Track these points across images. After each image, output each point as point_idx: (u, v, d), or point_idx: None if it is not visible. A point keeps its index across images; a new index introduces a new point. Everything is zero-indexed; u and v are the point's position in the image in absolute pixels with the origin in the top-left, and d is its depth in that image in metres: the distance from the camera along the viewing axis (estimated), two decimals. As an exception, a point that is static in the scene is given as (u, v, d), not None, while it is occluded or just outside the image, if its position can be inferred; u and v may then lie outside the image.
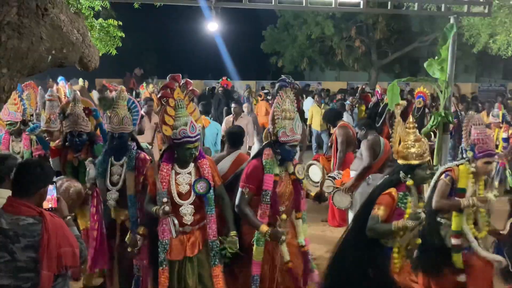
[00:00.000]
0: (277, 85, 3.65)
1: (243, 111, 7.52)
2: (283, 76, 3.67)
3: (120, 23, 7.55)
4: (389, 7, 6.20)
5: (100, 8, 7.75)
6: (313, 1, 6.24)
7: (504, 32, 12.45)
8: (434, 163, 6.48)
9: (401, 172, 3.24)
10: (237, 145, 4.24)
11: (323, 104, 10.33)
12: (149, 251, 3.46)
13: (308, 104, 11.38)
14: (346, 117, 8.32)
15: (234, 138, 4.24)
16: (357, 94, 11.59)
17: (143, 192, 3.50)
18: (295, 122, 3.38)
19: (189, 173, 3.33)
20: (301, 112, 12.01)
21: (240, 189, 3.39)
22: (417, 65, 21.80)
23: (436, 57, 5.92)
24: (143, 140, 5.63)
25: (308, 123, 10.09)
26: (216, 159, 4.00)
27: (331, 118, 6.22)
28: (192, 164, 3.36)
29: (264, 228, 3.26)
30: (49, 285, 2.24)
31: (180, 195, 3.28)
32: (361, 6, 6.06)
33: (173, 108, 3.24)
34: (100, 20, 7.53)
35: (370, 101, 11.16)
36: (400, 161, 3.27)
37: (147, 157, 3.82)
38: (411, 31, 19.51)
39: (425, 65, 6.03)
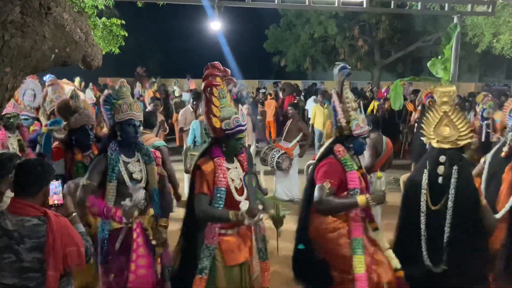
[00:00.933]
0: (341, 72, 3.36)
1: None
2: (341, 64, 3.46)
3: (123, 22, 7.57)
4: (392, 7, 6.19)
5: (103, 7, 7.78)
6: (316, 1, 6.24)
7: (508, 32, 12.38)
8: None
9: None
10: None
11: (326, 104, 10.33)
12: (183, 258, 3.09)
13: (311, 103, 11.38)
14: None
15: None
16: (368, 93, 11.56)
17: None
18: (361, 112, 3.31)
19: (236, 168, 3.10)
20: (304, 111, 12.05)
21: (318, 185, 3.15)
22: (420, 64, 21.77)
23: (440, 57, 5.91)
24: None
25: (310, 122, 10.11)
26: None
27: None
28: (234, 158, 3.14)
29: (362, 198, 3.10)
30: (55, 285, 2.24)
31: (236, 191, 3.02)
32: (364, 5, 6.06)
33: (217, 98, 3.01)
34: (103, 19, 7.55)
35: (383, 96, 11.17)
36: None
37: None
38: (414, 30, 19.45)
39: (428, 64, 6.02)
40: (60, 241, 2.23)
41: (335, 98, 3.32)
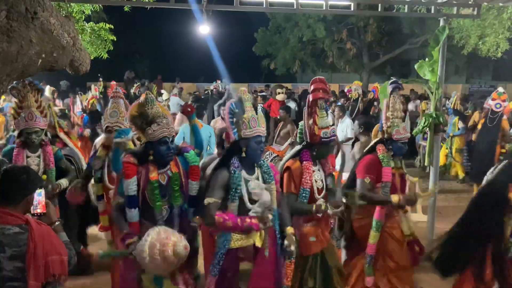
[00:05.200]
0: (390, 87, 3.93)
1: None
2: (393, 78, 4.01)
3: (112, 26, 7.54)
4: (379, 10, 6.23)
5: (91, 12, 7.74)
6: (304, 4, 6.26)
7: (493, 34, 12.59)
8: (426, 164, 6.54)
9: None
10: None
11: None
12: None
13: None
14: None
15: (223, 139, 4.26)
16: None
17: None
18: (406, 122, 3.75)
19: (319, 170, 3.49)
20: (301, 113, 12.05)
21: (360, 180, 3.68)
22: (408, 66, 22.00)
23: (427, 59, 5.96)
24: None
25: None
26: (207, 162, 3.99)
27: None
28: (316, 161, 3.51)
29: (396, 197, 3.61)
30: None
31: (317, 191, 3.44)
32: (352, 9, 6.10)
33: (320, 109, 3.41)
34: (91, 23, 7.52)
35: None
36: None
37: None
38: (401, 33, 19.66)
39: (415, 66, 6.06)
40: (42, 250, 2.19)
41: (384, 107, 3.84)
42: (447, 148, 9.11)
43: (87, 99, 10.89)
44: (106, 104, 10.42)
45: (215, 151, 4.48)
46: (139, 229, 2.90)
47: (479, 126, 7.84)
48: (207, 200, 2.84)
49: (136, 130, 3.05)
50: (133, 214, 2.92)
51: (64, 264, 2.28)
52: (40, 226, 2.26)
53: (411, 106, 11.76)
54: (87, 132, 8.52)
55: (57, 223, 2.44)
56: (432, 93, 6.02)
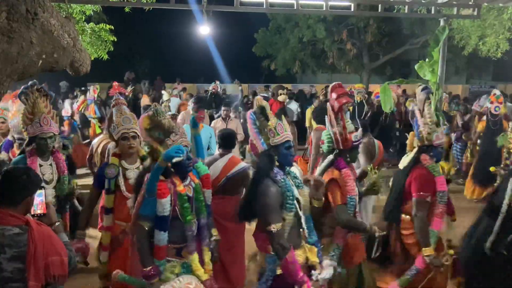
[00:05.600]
0: (423, 93, 3.93)
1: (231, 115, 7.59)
2: (423, 85, 3.89)
3: (112, 27, 7.54)
4: (379, 10, 6.24)
5: (92, 13, 7.76)
6: (304, 5, 6.27)
7: (493, 34, 12.59)
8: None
9: None
10: (229, 147, 4.27)
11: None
12: None
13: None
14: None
15: (227, 140, 4.26)
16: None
17: None
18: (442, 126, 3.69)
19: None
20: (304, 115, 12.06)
21: (418, 199, 3.47)
22: (408, 67, 22.00)
23: (427, 59, 5.97)
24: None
25: (307, 125, 10.11)
26: (207, 162, 4.00)
27: (321, 116, 6.36)
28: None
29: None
30: None
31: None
32: (352, 9, 6.10)
33: (344, 113, 3.37)
34: (92, 24, 7.53)
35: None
36: None
37: None
38: (402, 33, 19.65)
39: (416, 67, 6.07)
40: (42, 251, 2.18)
41: (417, 113, 3.70)
42: None
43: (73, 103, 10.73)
44: (102, 107, 10.33)
45: (216, 151, 4.49)
46: (166, 254, 2.70)
47: (479, 129, 7.84)
48: (275, 226, 2.58)
49: (153, 142, 2.80)
50: (164, 237, 2.68)
51: (64, 265, 2.28)
52: (40, 227, 2.26)
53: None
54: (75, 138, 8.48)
55: (57, 223, 2.45)
56: (432, 93, 6.02)
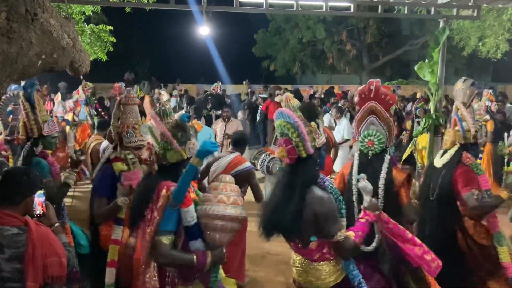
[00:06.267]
0: (473, 87, 3.61)
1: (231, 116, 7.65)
2: (472, 80, 3.67)
3: (112, 28, 7.55)
4: (379, 11, 6.24)
5: (91, 13, 7.76)
6: (304, 5, 6.27)
7: (493, 35, 12.61)
8: (425, 164, 6.53)
9: None
10: (240, 147, 4.34)
11: (320, 109, 10.38)
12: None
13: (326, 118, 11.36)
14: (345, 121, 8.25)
15: (239, 139, 4.39)
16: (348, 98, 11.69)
17: None
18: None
19: None
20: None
21: (467, 194, 3.29)
22: (408, 68, 22.00)
23: (427, 60, 5.97)
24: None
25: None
26: (212, 160, 4.11)
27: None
28: None
29: (503, 193, 3.39)
30: None
31: None
32: (352, 10, 6.11)
33: None
34: (91, 25, 7.53)
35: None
36: None
37: None
38: (401, 34, 19.70)
39: (415, 68, 6.07)
40: (40, 251, 2.18)
41: (461, 108, 3.51)
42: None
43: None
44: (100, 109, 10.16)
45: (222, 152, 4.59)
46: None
47: (490, 129, 7.77)
48: (340, 235, 2.44)
49: (176, 145, 2.52)
50: (202, 243, 2.45)
51: (63, 265, 2.27)
52: (39, 227, 2.25)
53: (409, 107, 11.79)
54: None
55: (56, 224, 2.44)
56: (432, 94, 6.02)
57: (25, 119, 3.59)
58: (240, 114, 9.33)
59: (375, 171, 3.01)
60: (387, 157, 3.10)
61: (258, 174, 4.69)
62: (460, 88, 3.57)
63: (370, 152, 3.12)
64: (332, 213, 2.44)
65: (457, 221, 3.43)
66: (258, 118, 12.38)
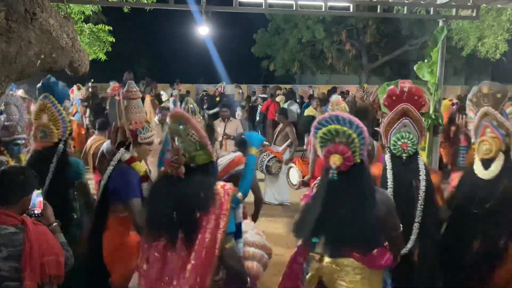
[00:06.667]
0: (503, 91, 3.31)
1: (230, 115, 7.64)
2: (499, 84, 3.46)
3: (111, 28, 7.55)
4: (378, 11, 6.24)
5: (91, 13, 7.76)
6: (304, 5, 6.27)
7: (492, 35, 12.62)
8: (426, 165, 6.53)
9: None
10: (244, 147, 4.33)
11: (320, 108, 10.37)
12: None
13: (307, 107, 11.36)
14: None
15: (244, 140, 4.34)
16: (348, 98, 11.68)
17: None
18: None
19: None
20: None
21: None
22: (407, 68, 22.01)
23: (426, 60, 5.97)
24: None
25: None
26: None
27: (305, 125, 6.42)
28: None
29: None
30: None
31: None
32: (351, 10, 6.10)
33: None
34: (90, 24, 7.53)
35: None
36: None
37: None
38: (400, 34, 19.69)
39: (415, 68, 6.07)
40: (38, 250, 2.18)
41: (496, 114, 3.19)
42: None
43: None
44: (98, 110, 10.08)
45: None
46: None
47: None
48: (400, 226, 2.45)
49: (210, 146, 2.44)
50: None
51: (60, 265, 2.27)
52: (36, 226, 2.25)
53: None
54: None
55: (54, 224, 2.44)
56: (431, 94, 6.03)
57: (59, 120, 3.34)
58: (238, 112, 9.33)
59: (412, 173, 2.96)
60: (420, 159, 3.06)
61: (259, 175, 4.67)
62: (488, 92, 3.27)
63: (404, 155, 3.05)
64: (394, 207, 2.43)
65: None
66: (257, 118, 12.38)
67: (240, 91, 16.13)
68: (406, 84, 3.05)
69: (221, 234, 2.23)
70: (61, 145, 3.30)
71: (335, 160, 2.29)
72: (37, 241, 2.19)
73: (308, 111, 10.26)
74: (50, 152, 3.27)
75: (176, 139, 2.31)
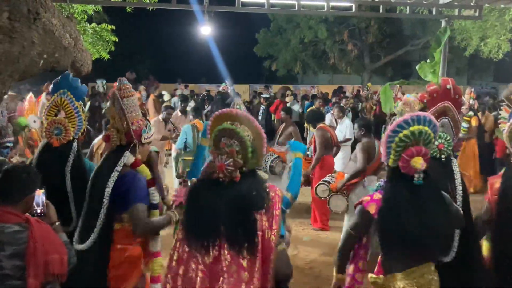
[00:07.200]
0: None
1: None
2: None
3: (113, 27, 7.57)
4: (381, 11, 6.24)
5: (93, 13, 7.77)
6: (306, 5, 6.27)
7: (495, 35, 12.59)
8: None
9: None
10: None
11: (322, 108, 10.37)
12: None
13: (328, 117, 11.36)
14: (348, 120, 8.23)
15: None
16: (350, 97, 11.68)
17: None
18: None
19: None
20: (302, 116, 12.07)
21: None
22: (409, 68, 21.99)
23: (429, 60, 5.96)
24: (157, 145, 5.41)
25: (306, 125, 10.10)
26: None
27: (312, 118, 6.37)
28: None
29: None
30: None
31: None
32: (353, 10, 6.11)
33: None
34: (93, 24, 7.55)
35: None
36: None
37: None
38: (403, 34, 19.66)
39: (417, 68, 6.06)
40: (42, 248, 2.19)
41: None
42: None
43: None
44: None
45: None
46: None
47: (475, 124, 7.90)
48: None
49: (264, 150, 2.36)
50: None
51: (64, 263, 2.28)
52: (40, 224, 2.26)
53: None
54: None
55: (57, 223, 2.45)
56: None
57: (76, 118, 3.22)
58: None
59: (447, 177, 2.84)
60: (455, 162, 2.93)
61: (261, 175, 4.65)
62: None
63: (442, 156, 2.89)
64: None
65: None
66: (259, 118, 12.38)
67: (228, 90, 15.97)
68: (450, 82, 2.89)
69: (275, 235, 2.12)
70: (75, 144, 3.20)
71: (421, 163, 2.18)
72: (41, 240, 2.20)
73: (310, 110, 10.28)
74: (66, 150, 3.15)
75: (229, 141, 2.13)
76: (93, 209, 2.66)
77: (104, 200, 2.60)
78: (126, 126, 2.69)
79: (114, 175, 2.65)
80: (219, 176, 2.11)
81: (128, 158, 2.74)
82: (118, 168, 2.67)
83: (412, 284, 2.24)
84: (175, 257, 2.17)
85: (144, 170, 2.81)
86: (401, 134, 2.20)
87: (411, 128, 2.18)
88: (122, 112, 2.67)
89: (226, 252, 2.05)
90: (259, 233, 2.06)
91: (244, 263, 2.03)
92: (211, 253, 2.07)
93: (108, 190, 2.60)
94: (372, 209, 2.33)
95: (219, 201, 2.09)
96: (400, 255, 2.26)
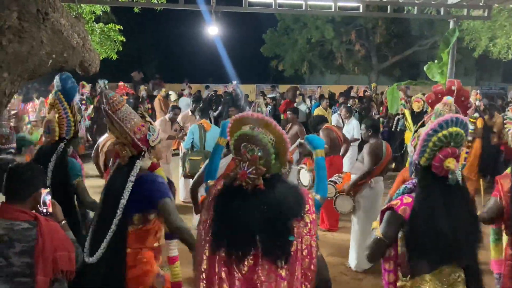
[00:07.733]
0: None
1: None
2: None
3: (121, 27, 7.62)
4: (388, 11, 6.22)
5: (101, 13, 7.83)
6: (313, 5, 6.26)
7: (504, 36, 12.48)
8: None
9: None
10: None
11: (329, 109, 10.35)
12: None
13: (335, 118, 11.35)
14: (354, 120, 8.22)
15: None
16: (354, 97, 11.65)
17: None
18: None
19: None
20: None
21: None
22: (417, 68, 21.87)
23: (437, 61, 5.93)
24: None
25: None
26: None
27: (315, 124, 6.41)
28: None
29: None
30: None
31: None
32: (361, 10, 6.08)
33: None
34: (101, 24, 7.60)
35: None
36: None
37: None
38: (410, 35, 19.57)
39: (425, 68, 6.02)
40: (50, 246, 2.22)
41: None
42: None
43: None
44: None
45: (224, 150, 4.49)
46: None
47: (480, 126, 7.82)
48: None
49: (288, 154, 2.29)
50: None
51: (72, 260, 2.31)
52: (48, 222, 2.29)
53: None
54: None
55: (63, 222, 2.47)
56: (441, 95, 5.97)
57: (64, 119, 3.23)
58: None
59: None
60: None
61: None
62: None
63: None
64: None
65: None
66: (266, 118, 12.38)
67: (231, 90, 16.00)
68: (455, 83, 2.85)
69: (314, 240, 2.05)
70: (61, 144, 3.22)
71: (455, 164, 2.20)
72: (50, 237, 2.23)
73: (318, 111, 10.24)
74: (51, 150, 3.20)
75: (250, 146, 2.03)
76: (105, 220, 2.56)
77: (118, 211, 2.52)
78: (129, 138, 2.58)
79: (129, 185, 2.56)
80: (241, 183, 2.04)
81: (144, 163, 2.67)
82: (132, 178, 2.58)
83: (442, 283, 2.24)
84: (204, 265, 2.06)
85: (161, 172, 2.78)
86: (440, 134, 2.19)
87: (450, 129, 2.19)
88: (120, 126, 2.55)
89: (262, 261, 1.98)
90: (298, 239, 2.01)
91: (283, 272, 1.97)
92: (246, 263, 2.00)
93: (123, 202, 2.52)
94: (405, 212, 2.29)
95: (251, 209, 2.00)
96: (432, 257, 2.23)
